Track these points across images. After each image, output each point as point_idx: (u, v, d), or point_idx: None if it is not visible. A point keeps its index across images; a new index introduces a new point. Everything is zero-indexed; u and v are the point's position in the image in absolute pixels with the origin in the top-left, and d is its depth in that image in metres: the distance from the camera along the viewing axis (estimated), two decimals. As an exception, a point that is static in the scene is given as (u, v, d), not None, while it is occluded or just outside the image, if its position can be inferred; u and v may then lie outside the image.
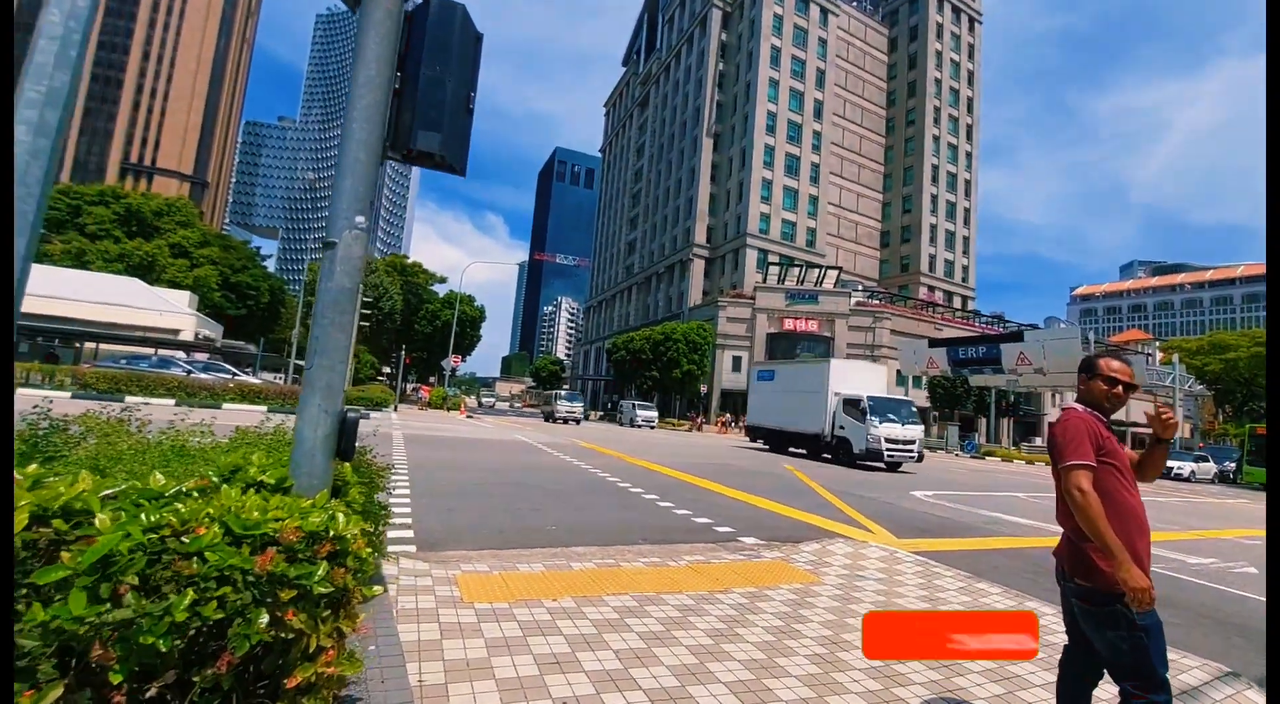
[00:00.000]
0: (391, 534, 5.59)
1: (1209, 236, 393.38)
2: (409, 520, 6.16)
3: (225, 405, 17.99)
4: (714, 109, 66.37)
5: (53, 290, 30.58)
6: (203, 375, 21.39)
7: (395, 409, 31.79)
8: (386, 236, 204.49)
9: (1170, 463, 29.16)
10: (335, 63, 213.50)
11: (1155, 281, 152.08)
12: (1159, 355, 57.27)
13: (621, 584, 4.41)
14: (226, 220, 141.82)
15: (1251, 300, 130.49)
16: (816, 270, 56.34)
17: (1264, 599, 6.07)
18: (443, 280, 51.85)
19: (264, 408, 18.72)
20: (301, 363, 31.47)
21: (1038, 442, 50.58)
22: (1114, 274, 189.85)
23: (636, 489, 9.57)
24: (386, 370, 55.46)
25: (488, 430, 22.60)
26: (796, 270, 56.28)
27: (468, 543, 5.51)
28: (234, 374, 24.20)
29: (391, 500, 7.03)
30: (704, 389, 51.18)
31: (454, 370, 41.42)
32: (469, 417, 33.26)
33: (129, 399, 17.12)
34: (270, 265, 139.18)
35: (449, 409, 37.68)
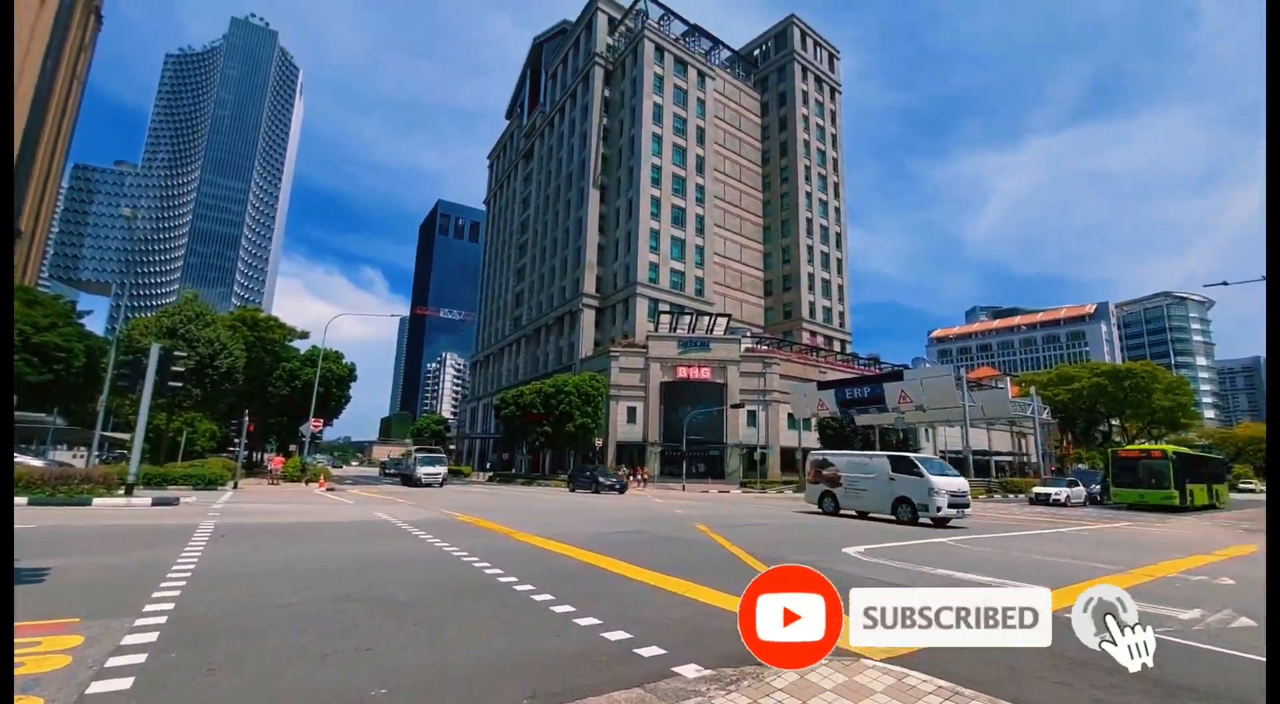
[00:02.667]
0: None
1: (1033, 284, 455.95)
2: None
3: (-38, 500, 13.36)
4: (599, 161, 66.81)
5: None
6: (-53, 460, 16.12)
7: (235, 486, 26.71)
8: (243, 291, 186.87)
9: (1047, 489, 30.61)
10: (188, 105, 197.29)
11: (996, 324, 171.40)
12: (1011, 389, 62.64)
13: None
14: (44, 274, 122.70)
15: (1075, 337, 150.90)
16: (706, 318, 56.81)
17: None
18: (304, 336, 46.25)
19: (23, 500, 14.18)
20: (114, 436, 25.94)
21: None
22: (960, 318, 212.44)
23: (524, 586, 7.20)
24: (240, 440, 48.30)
25: (344, 509, 18.94)
26: (687, 318, 56.43)
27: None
28: (2, 456, 18.82)
29: (111, 664, 4.28)
30: (599, 442, 48.95)
31: (316, 436, 36.32)
32: (329, 490, 28.71)
33: None
34: (97, 324, 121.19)
35: (307, 482, 32.61)
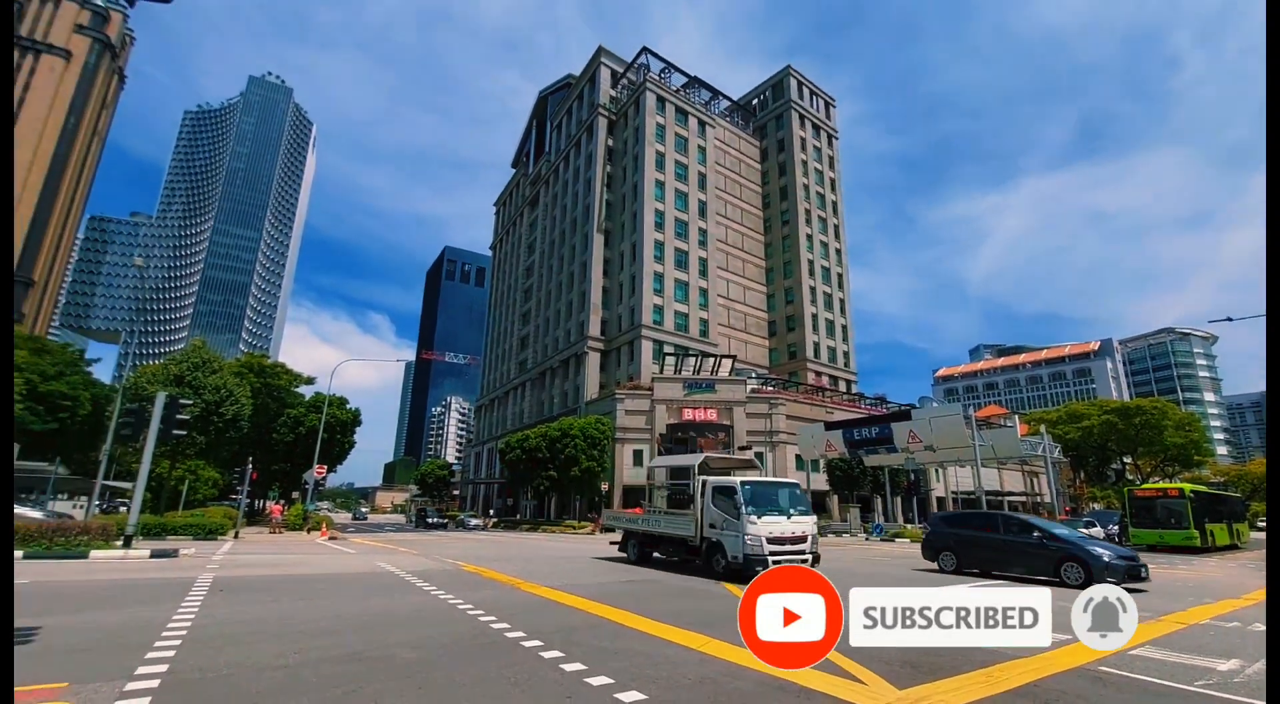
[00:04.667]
0: None
1: (1036, 321, 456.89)
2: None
3: (-42, 554, 13.13)
4: (603, 207, 68.05)
5: None
6: (-55, 512, 15.93)
7: (236, 536, 26.27)
8: (251, 337, 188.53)
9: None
10: (203, 158, 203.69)
11: (1001, 362, 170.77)
12: (1020, 427, 61.84)
13: None
14: (55, 323, 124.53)
15: (1081, 374, 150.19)
16: (711, 360, 56.80)
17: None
18: (310, 381, 46.35)
19: (20, 553, 13.91)
20: (116, 485, 25.69)
21: (938, 520, 51.55)
22: (964, 357, 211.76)
23: (533, 642, 6.92)
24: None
25: (346, 559, 18.54)
26: (692, 360, 56.40)
27: None
28: None
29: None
30: (605, 487, 48.24)
31: (319, 483, 35.89)
32: (331, 539, 28.20)
33: None
34: (105, 372, 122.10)
35: (309, 530, 32.10)
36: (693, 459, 16.64)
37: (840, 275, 78.70)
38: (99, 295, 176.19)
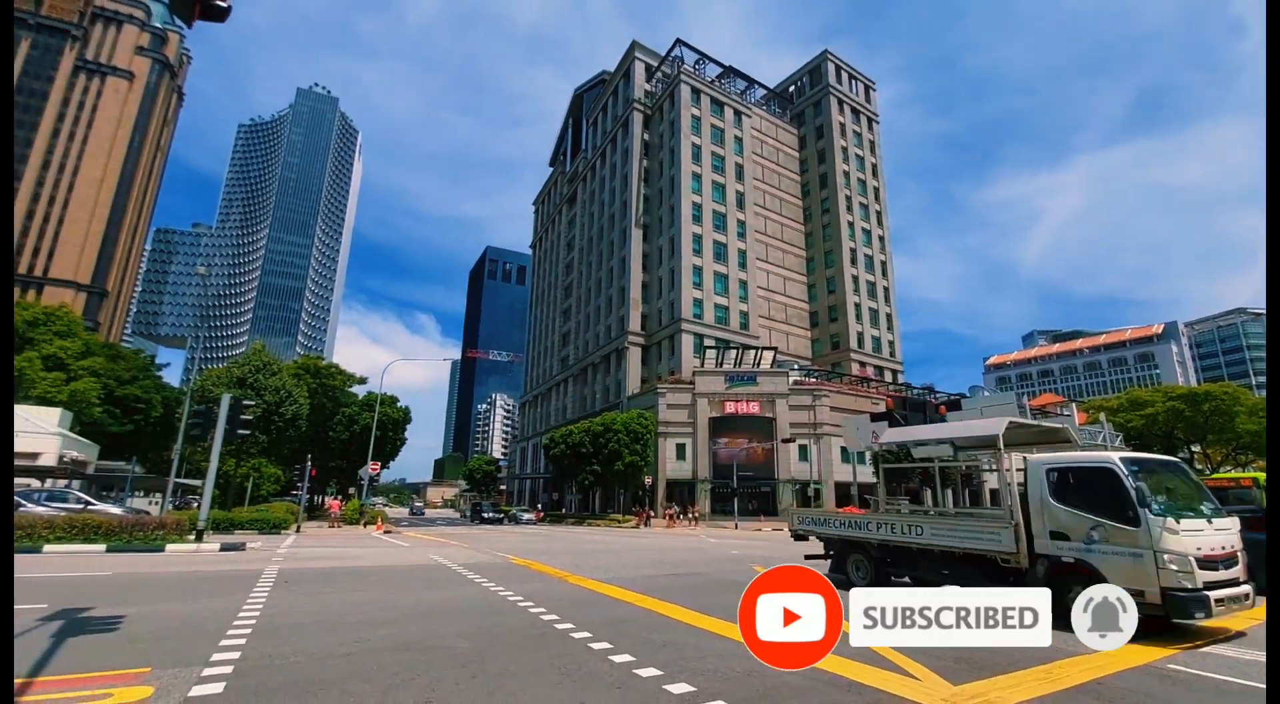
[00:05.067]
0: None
1: (1093, 305, 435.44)
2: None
3: (48, 547, 14.13)
4: (641, 202, 68.07)
5: None
6: (36, 508, 17.24)
7: (298, 530, 27.46)
8: (306, 340, 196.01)
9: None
10: (258, 169, 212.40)
11: (1057, 348, 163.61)
12: (1078, 416, 59.15)
13: None
14: (127, 331, 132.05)
15: (1143, 359, 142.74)
16: (753, 352, 56.26)
17: None
18: (362, 381, 48.05)
19: (102, 547, 14.91)
20: (187, 482, 27.14)
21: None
22: (1017, 343, 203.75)
23: (582, 634, 7.04)
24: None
25: (401, 552, 19.16)
26: (733, 353, 55.99)
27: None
28: (86, 504, 19.99)
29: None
30: (648, 480, 48.46)
31: (374, 479, 37.18)
32: (386, 533, 29.19)
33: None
34: (174, 376, 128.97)
35: (365, 524, 33.27)
36: (991, 426, 9.87)
37: (884, 263, 76.77)
38: (166, 303, 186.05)
